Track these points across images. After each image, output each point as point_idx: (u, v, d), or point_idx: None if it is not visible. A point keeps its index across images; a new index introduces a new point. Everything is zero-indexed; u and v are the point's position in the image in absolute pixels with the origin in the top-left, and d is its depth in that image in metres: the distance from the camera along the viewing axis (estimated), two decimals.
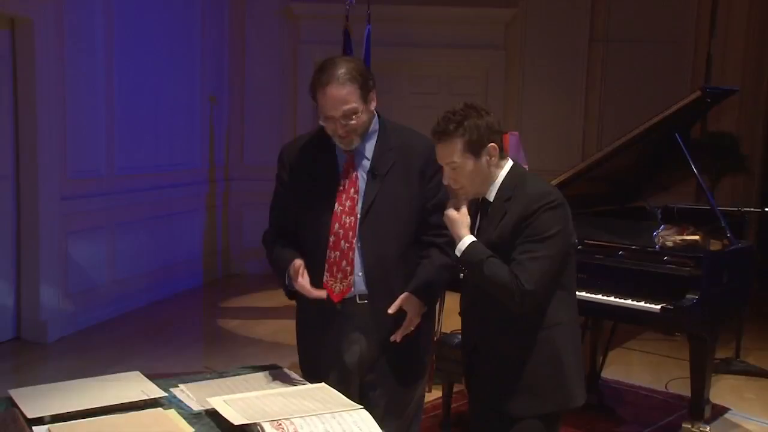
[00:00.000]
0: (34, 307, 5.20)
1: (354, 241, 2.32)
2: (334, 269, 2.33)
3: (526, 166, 5.06)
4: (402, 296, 2.32)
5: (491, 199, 2.26)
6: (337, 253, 2.33)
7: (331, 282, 2.34)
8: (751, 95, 7.15)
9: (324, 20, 7.23)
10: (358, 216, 2.33)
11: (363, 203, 2.34)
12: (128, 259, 6.10)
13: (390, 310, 2.30)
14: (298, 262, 2.29)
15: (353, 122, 2.27)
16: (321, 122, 2.31)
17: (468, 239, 2.21)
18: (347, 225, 2.33)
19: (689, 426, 3.61)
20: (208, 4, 7.13)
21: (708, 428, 3.60)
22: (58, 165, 5.29)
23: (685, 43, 7.30)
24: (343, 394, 2.17)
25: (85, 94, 5.55)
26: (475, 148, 2.18)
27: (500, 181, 2.25)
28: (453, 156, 2.18)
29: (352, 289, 2.34)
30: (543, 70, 7.46)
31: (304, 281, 2.28)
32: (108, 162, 5.83)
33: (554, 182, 4.09)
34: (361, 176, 2.36)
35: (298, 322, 2.53)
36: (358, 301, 2.36)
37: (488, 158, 2.21)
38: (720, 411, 4.26)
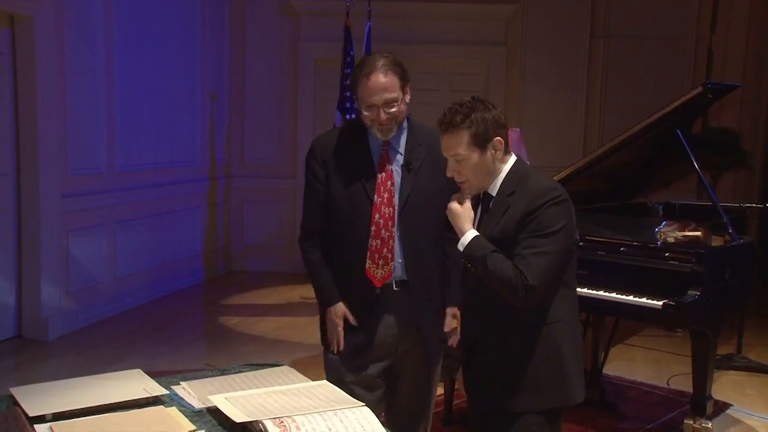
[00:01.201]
0: (35, 305, 5.21)
1: (393, 230, 2.49)
2: (376, 256, 2.49)
3: (527, 163, 5.06)
4: (449, 313, 2.62)
5: (494, 194, 2.25)
6: (378, 241, 2.49)
7: (373, 268, 2.50)
8: (753, 91, 7.13)
9: (324, 17, 7.22)
10: (396, 207, 2.49)
11: (400, 195, 2.50)
12: (129, 256, 6.10)
13: (446, 329, 2.62)
14: (341, 311, 2.55)
15: (394, 110, 2.44)
16: (364, 112, 2.45)
17: (471, 233, 2.21)
18: (387, 215, 2.49)
19: (691, 422, 3.61)
20: (208, 0, 7.12)
21: (710, 424, 3.60)
22: (58, 162, 5.29)
23: (686, 38, 7.29)
24: (370, 374, 2.54)
25: (86, 91, 5.54)
26: (480, 141, 2.18)
27: (503, 176, 2.24)
28: (458, 148, 2.18)
29: (393, 273, 2.50)
30: (544, 66, 7.45)
31: (339, 331, 2.56)
32: (109, 159, 5.83)
33: (555, 178, 4.09)
34: (396, 170, 2.52)
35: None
36: (395, 288, 2.53)
37: (493, 152, 2.20)
38: (722, 407, 4.26)
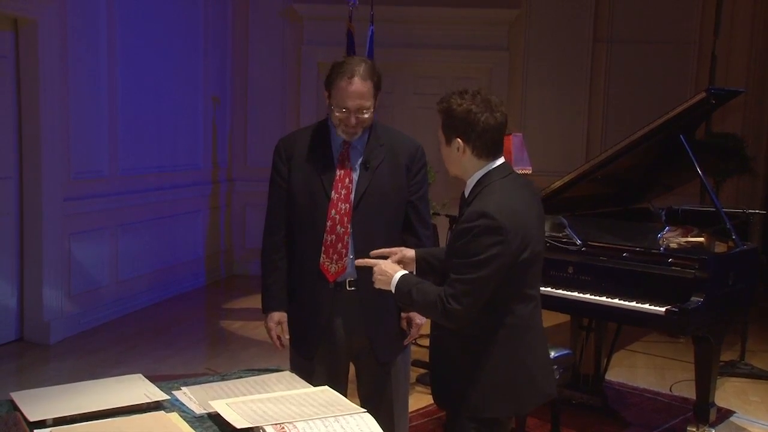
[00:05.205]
0: (37, 309, 5.20)
1: (349, 226, 2.55)
2: (330, 251, 2.56)
3: (529, 168, 5.06)
4: (404, 317, 2.68)
5: (467, 196, 2.26)
6: (333, 236, 2.55)
7: (327, 263, 2.57)
8: (756, 96, 7.13)
9: (327, 21, 7.22)
10: (352, 203, 2.55)
11: (356, 192, 2.56)
12: (131, 260, 6.10)
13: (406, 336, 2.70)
14: (277, 319, 2.66)
15: (366, 116, 2.51)
16: (335, 112, 2.50)
17: (397, 274, 2.24)
18: (342, 211, 2.55)
19: (694, 429, 3.60)
20: (210, 4, 7.13)
21: (713, 431, 3.59)
22: (61, 166, 5.29)
23: (689, 43, 7.28)
24: (334, 369, 2.61)
25: (89, 95, 5.55)
26: (446, 131, 2.22)
27: (475, 181, 2.23)
28: (439, 128, 2.25)
29: (347, 269, 2.56)
30: (546, 70, 7.44)
31: (273, 335, 2.68)
32: (111, 163, 5.83)
33: (558, 184, 4.09)
34: (355, 168, 2.59)
35: (291, 301, 2.70)
36: (349, 288, 2.58)
37: (456, 149, 2.21)
38: (725, 414, 4.24)
